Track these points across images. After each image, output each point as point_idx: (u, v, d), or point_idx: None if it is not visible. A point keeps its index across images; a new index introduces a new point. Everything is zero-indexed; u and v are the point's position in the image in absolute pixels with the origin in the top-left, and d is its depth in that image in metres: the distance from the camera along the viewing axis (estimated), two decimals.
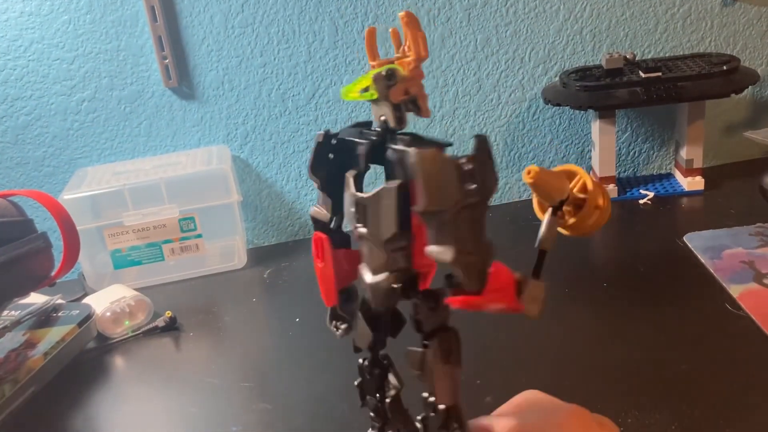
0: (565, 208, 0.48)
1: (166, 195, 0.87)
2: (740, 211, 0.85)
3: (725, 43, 0.99)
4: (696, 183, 0.93)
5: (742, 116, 1.03)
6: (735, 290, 0.68)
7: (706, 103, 0.89)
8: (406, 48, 0.38)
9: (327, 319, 0.44)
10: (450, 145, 0.36)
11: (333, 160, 0.40)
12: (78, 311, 0.75)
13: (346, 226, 0.40)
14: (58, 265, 0.69)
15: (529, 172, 0.43)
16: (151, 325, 0.77)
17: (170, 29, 0.91)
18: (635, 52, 0.94)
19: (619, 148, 1.02)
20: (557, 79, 0.95)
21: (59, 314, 0.75)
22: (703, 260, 0.74)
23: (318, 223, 0.42)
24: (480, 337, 0.67)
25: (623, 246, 0.83)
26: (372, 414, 0.44)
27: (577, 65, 0.97)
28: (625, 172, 1.04)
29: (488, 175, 0.36)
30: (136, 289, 0.80)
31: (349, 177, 0.38)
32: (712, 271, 0.72)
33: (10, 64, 0.90)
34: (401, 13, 0.37)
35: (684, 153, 0.92)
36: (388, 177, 0.38)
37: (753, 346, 0.60)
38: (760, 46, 0.99)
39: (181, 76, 0.93)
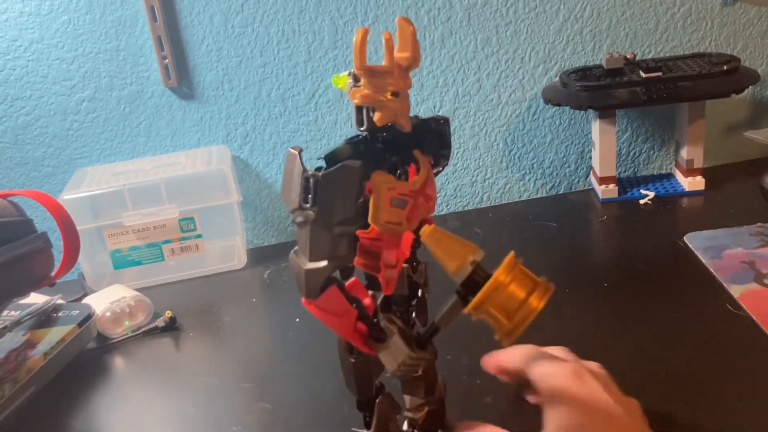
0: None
1: (165, 195, 0.87)
2: (741, 211, 0.85)
3: (725, 43, 0.99)
4: (696, 183, 0.93)
5: (743, 116, 1.03)
6: (735, 290, 0.68)
7: (706, 103, 0.89)
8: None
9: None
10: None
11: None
12: (78, 311, 0.75)
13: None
14: (58, 265, 0.69)
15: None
16: (151, 326, 0.77)
17: (170, 29, 0.91)
18: (635, 52, 0.94)
19: (620, 148, 1.02)
20: (557, 79, 0.95)
21: (59, 314, 0.75)
22: (703, 260, 0.74)
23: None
24: (480, 337, 0.67)
25: (623, 246, 0.83)
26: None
27: (578, 65, 0.97)
28: (625, 172, 1.04)
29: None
30: (136, 290, 0.80)
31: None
32: (712, 271, 0.72)
33: (9, 64, 0.90)
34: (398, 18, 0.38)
35: (684, 153, 0.92)
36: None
37: (753, 346, 0.60)
38: (760, 45, 0.99)
39: (180, 76, 0.93)
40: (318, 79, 0.95)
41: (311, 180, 0.36)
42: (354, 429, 0.47)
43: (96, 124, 0.94)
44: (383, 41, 0.36)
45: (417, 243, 0.43)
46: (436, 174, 0.42)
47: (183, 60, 0.92)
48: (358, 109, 0.38)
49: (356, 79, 0.37)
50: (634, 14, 0.96)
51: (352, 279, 0.42)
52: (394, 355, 0.39)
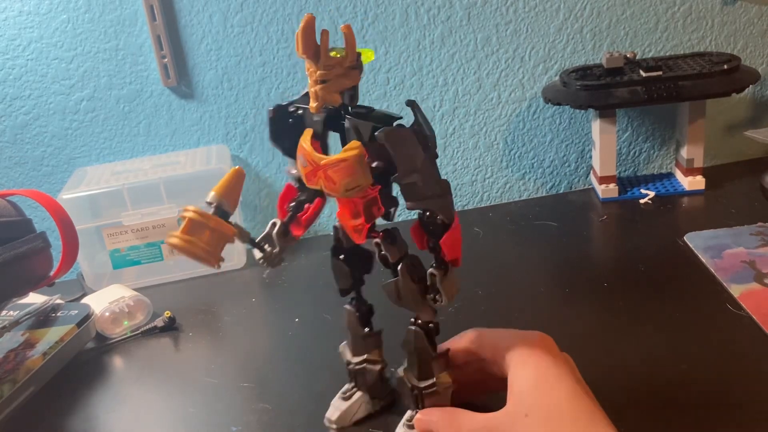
0: None
1: (165, 195, 0.86)
2: (741, 210, 0.85)
3: (726, 42, 0.98)
4: (697, 182, 0.92)
5: (743, 115, 1.02)
6: (736, 290, 0.68)
7: (706, 103, 0.89)
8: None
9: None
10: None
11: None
12: (77, 311, 0.75)
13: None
14: (56, 265, 0.69)
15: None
16: (150, 325, 0.77)
17: (169, 28, 0.90)
18: (636, 51, 0.93)
19: (620, 148, 1.02)
20: (557, 78, 0.95)
21: (58, 314, 0.75)
22: (703, 260, 0.74)
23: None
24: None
25: (623, 246, 0.83)
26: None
27: (578, 64, 0.97)
28: (625, 171, 1.04)
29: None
30: (135, 289, 0.80)
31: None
32: (712, 271, 0.72)
33: (8, 63, 0.90)
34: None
35: (684, 152, 0.92)
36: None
37: (754, 346, 0.60)
38: (760, 45, 0.99)
39: (180, 75, 0.93)
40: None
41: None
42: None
43: (95, 124, 0.94)
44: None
45: (433, 248, 0.48)
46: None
47: (182, 59, 0.92)
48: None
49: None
50: (634, 13, 0.96)
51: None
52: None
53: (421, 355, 0.50)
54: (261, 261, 0.48)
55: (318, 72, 0.43)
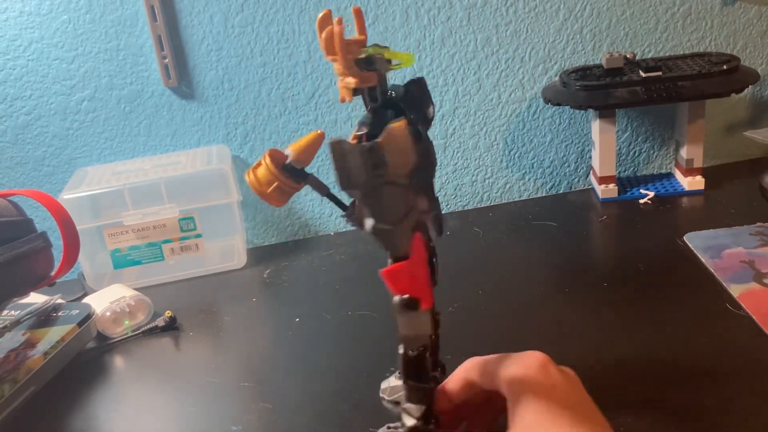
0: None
1: (165, 195, 0.87)
2: (740, 210, 0.85)
3: (725, 43, 0.99)
4: (696, 182, 0.93)
5: (743, 116, 1.03)
6: (735, 290, 0.68)
7: (706, 103, 0.89)
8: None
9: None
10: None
11: None
12: (78, 311, 0.75)
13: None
14: (57, 264, 0.69)
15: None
16: (150, 325, 0.77)
17: (170, 29, 0.90)
18: (635, 52, 0.94)
19: (620, 148, 1.02)
20: (557, 78, 0.95)
21: (59, 314, 0.75)
22: (703, 260, 0.74)
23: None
24: (478, 337, 0.67)
25: (623, 246, 0.83)
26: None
27: (577, 65, 0.97)
28: (625, 171, 1.04)
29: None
30: (135, 289, 0.80)
31: (336, 140, 0.39)
32: (712, 271, 0.72)
33: (9, 63, 0.90)
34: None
35: (684, 152, 0.92)
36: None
37: (753, 346, 0.60)
38: (760, 45, 0.99)
39: (180, 75, 0.93)
40: (318, 78, 0.95)
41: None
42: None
43: (96, 124, 0.94)
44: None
45: None
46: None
47: (183, 59, 0.92)
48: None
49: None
50: (633, 14, 0.96)
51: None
52: None
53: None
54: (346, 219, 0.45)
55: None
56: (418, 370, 0.46)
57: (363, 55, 0.41)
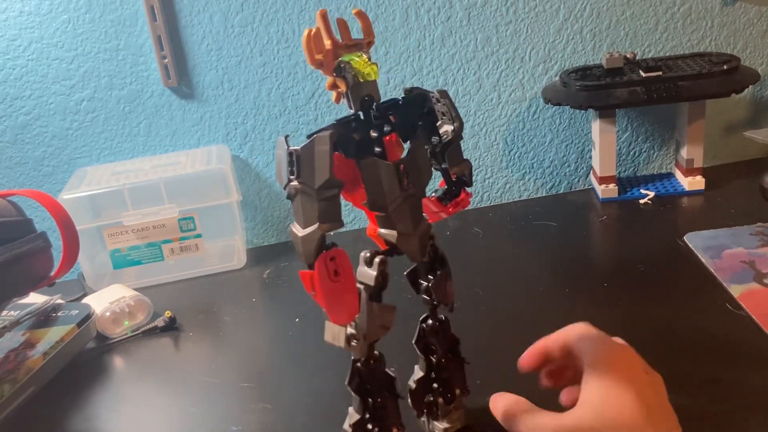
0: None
1: (165, 195, 0.86)
2: (740, 210, 0.85)
3: (725, 43, 0.98)
4: (696, 183, 0.92)
5: (743, 116, 1.03)
6: (735, 290, 0.68)
7: (706, 103, 0.89)
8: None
9: (341, 342, 0.46)
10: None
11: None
12: (77, 311, 0.75)
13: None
14: (57, 265, 0.69)
15: None
16: (150, 325, 0.77)
17: (170, 29, 0.90)
18: (635, 52, 0.93)
19: (620, 148, 1.02)
20: (557, 78, 0.95)
21: (59, 314, 0.75)
22: (703, 260, 0.74)
23: (324, 241, 0.43)
24: (479, 338, 0.67)
25: (623, 246, 0.83)
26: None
27: (578, 65, 0.97)
28: (625, 171, 1.04)
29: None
30: (135, 289, 0.80)
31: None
32: (712, 271, 0.72)
33: (9, 63, 0.90)
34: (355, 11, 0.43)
35: (684, 152, 0.92)
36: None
37: (753, 346, 0.60)
38: (760, 45, 0.99)
39: (180, 75, 0.93)
40: (318, 78, 0.95)
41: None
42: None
43: (96, 124, 0.94)
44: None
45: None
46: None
47: (183, 59, 0.92)
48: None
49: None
50: (634, 14, 0.96)
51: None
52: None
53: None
54: None
55: None
56: (358, 379, 0.47)
57: (337, 62, 0.42)
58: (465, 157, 0.49)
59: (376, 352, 0.48)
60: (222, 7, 0.90)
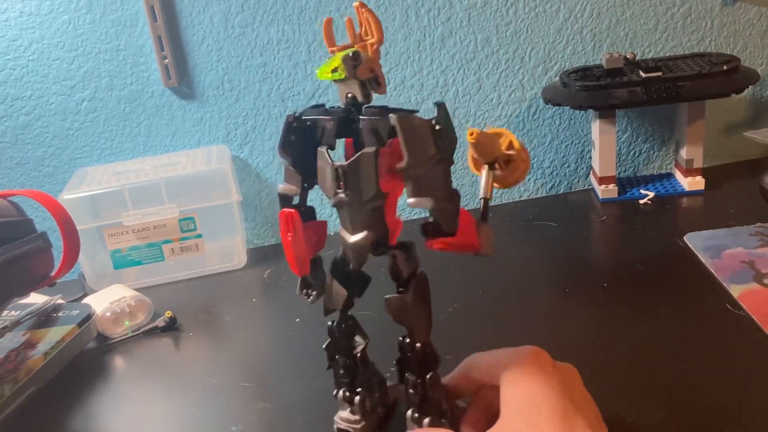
0: (496, 164, 0.53)
1: (165, 195, 0.87)
2: (740, 210, 0.85)
3: (725, 43, 0.99)
4: (696, 183, 0.93)
5: (743, 116, 1.03)
6: (735, 290, 0.68)
7: (706, 103, 0.89)
8: (362, 33, 0.44)
9: (297, 289, 0.49)
10: (417, 111, 0.43)
11: (299, 140, 0.45)
12: (78, 311, 0.75)
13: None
14: (58, 265, 0.69)
15: (471, 134, 0.49)
16: (151, 325, 0.77)
17: (170, 29, 0.91)
18: (635, 52, 0.94)
19: (620, 148, 1.02)
20: (557, 78, 0.95)
21: (59, 314, 0.75)
22: (703, 260, 0.74)
23: (286, 200, 0.46)
24: (479, 337, 0.67)
25: (623, 246, 0.83)
26: (341, 371, 0.50)
27: (578, 65, 0.97)
28: (625, 172, 1.04)
29: (451, 134, 0.45)
30: (136, 289, 0.80)
31: (323, 150, 0.44)
32: (712, 271, 0.72)
33: (9, 64, 0.90)
34: (356, 3, 0.43)
35: (684, 153, 0.92)
36: (359, 148, 0.43)
37: (753, 346, 0.60)
38: (760, 45, 0.99)
39: (180, 75, 0.93)
40: (318, 79, 0.95)
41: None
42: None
43: (96, 124, 0.94)
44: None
45: None
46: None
47: (183, 60, 0.92)
48: (363, 83, 0.43)
49: (356, 58, 0.43)
50: (634, 14, 0.96)
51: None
52: (487, 237, 0.50)
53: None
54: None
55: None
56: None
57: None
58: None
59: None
60: (222, 8, 0.91)
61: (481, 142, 0.51)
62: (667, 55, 0.98)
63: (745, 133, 0.92)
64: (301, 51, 0.93)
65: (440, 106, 0.44)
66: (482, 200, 0.52)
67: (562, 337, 0.65)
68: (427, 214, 0.44)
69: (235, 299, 0.83)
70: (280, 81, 0.95)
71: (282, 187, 0.46)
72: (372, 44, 0.43)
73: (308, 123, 0.45)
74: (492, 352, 0.47)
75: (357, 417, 0.50)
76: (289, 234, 0.44)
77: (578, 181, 1.04)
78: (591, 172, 1.01)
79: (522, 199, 1.04)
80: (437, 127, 0.43)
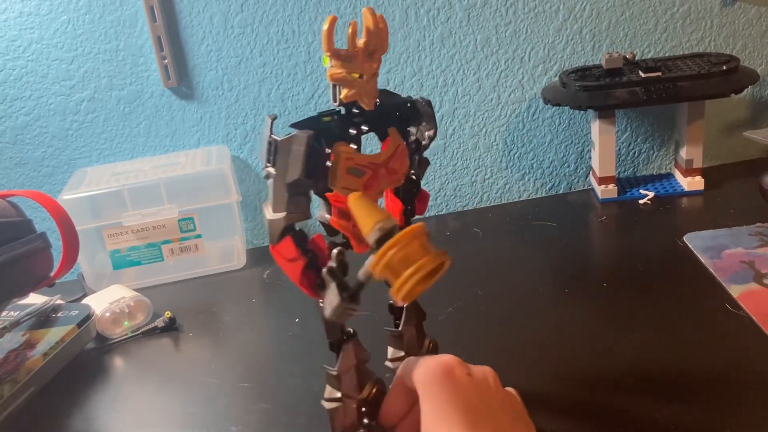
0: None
1: (165, 195, 0.86)
2: (740, 211, 0.85)
3: (725, 43, 0.99)
4: (696, 183, 0.93)
5: (742, 116, 1.03)
6: (735, 290, 0.68)
7: (705, 103, 0.89)
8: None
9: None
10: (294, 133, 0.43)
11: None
12: (77, 312, 0.75)
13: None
14: (57, 265, 0.69)
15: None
16: (150, 326, 0.77)
17: (169, 29, 0.90)
18: (635, 52, 0.94)
19: (619, 148, 1.02)
20: (557, 79, 0.95)
21: (58, 315, 0.75)
22: (702, 260, 0.74)
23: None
24: (478, 337, 0.67)
25: (623, 246, 0.83)
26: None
27: (577, 65, 0.97)
28: (624, 172, 1.04)
29: (279, 150, 0.44)
30: (135, 290, 0.80)
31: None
32: (712, 271, 0.72)
33: (9, 64, 0.90)
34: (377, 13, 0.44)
35: (684, 153, 0.92)
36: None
37: (753, 346, 0.60)
38: (759, 45, 0.99)
39: (180, 76, 0.93)
40: (317, 79, 0.95)
41: (272, 144, 0.43)
42: (324, 366, 0.49)
43: (95, 124, 0.94)
44: (348, 29, 0.42)
45: (410, 213, 0.52)
46: (424, 148, 0.49)
47: (182, 60, 0.92)
48: (333, 86, 0.44)
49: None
50: (633, 14, 0.96)
51: (316, 234, 0.47)
52: (330, 301, 0.44)
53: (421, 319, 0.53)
54: None
55: (376, 64, 0.44)
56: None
57: None
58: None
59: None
60: (222, 8, 0.91)
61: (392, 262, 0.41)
62: (666, 55, 0.98)
63: (744, 133, 0.92)
64: (300, 51, 0.93)
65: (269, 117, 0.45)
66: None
67: (561, 337, 0.65)
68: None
69: (234, 299, 0.82)
70: (280, 81, 0.95)
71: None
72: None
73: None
74: (416, 359, 0.46)
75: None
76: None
77: (578, 181, 1.04)
78: (591, 172, 1.01)
79: (521, 199, 1.04)
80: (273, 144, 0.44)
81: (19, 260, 0.65)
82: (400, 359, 0.54)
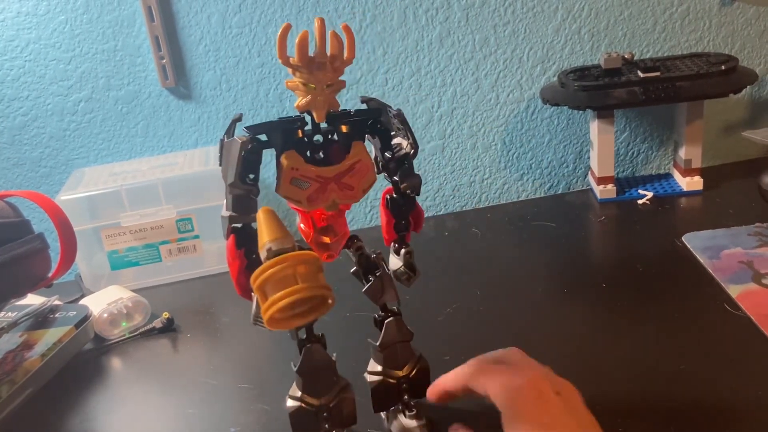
0: None
1: (163, 196, 0.86)
2: (739, 211, 0.85)
3: (723, 43, 0.99)
4: (695, 183, 0.93)
5: (741, 116, 1.03)
6: (734, 290, 0.68)
7: (704, 103, 0.89)
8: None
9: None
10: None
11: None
12: (75, 312, 0.75)
13: None
14: (55, 266, 0.69)
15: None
16: (148, 327, 0.76)
17: (167, 29, 0.90)
18: (633, 52, 0.93)
19: (618, 148, 1.02)
20: (555, 78, 0.95)
21: (56, 315, 0.75)
22: (701, 260, 0.74)
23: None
24: (477, 338, 0.67)
25: (622, 246, 0.83)
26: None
27: (576, 65, 0.97)
28: (623, 172, 1.04)
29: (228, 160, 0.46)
30: (133, 290, 0.80)
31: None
32: (710, 271, 0.72)
33: (6, 64, 0.90)
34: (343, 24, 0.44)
35: (683, 153, 0.92)
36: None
37: (752, 346, 0.60)
38: (758, 45, 0.99)
39: (178, 76, 0.93)
40: None
41: (221, 142, 0.45)
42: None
43: (93, 125, 0.94)
44: (297, 40, 0.41)
45: (404, 227, 0.51)
46: (404, 157, 0.49)
47: (180, 60, 0.92)
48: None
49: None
50: (632, 14, 0.96)
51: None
52: (252, 309, 0.45)
53: (405, 337, 0.52)
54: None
55: (330, 75, 0.43)
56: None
57: None
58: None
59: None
60: (220, 8, 0.90)
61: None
62: (665, 55, 0.98)
63: (743, 133, 0.92)
64: None
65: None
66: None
67: (560, 337, 0.65)
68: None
69: (232, 300, 0.81)
70: (278, 81, 0.94)
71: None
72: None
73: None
74: (491, 367, 0.46)
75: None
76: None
77: (577, 181, 1.04)
78: (589, 172, 1.01)
79: (520, 199, 1.04)
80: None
81: (16, 261, 0.65)
82: (378, 373, 0.53)
